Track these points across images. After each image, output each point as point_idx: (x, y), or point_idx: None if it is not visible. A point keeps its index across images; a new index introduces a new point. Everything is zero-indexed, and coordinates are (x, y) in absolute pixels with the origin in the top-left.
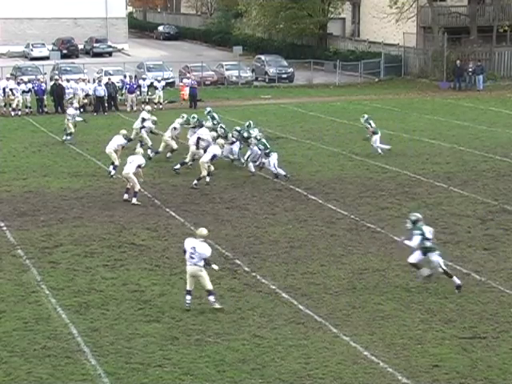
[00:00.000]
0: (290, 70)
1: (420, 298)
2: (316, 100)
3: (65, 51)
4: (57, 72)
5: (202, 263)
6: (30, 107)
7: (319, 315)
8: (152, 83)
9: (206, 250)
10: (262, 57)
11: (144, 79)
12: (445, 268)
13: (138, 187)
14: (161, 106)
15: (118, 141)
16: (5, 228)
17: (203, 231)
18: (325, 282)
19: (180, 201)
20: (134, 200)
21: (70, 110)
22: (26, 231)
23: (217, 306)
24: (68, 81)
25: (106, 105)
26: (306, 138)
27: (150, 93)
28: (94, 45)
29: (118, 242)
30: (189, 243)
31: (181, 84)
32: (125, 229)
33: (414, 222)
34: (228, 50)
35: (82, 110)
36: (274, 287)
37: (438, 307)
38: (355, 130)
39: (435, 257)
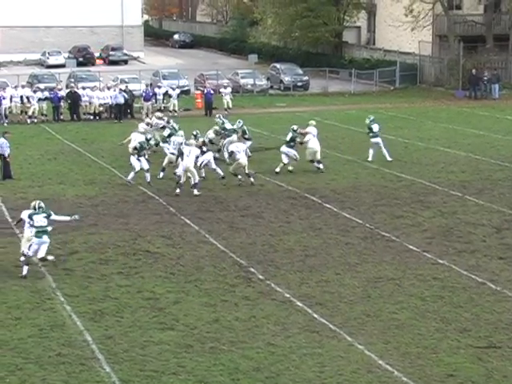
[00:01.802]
0: (306, 78)
1: (435, 306)
2: (331, 108)
3: (81, 59)
4: (72, 80)
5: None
6: (46, 115)
7: (334, 324)
8: (167, 91)
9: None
10: (278, 65)
11: (159, 87)
12: None
13: (197, 178)
14: (176, 114)
15: (137, 138)
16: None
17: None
18: (339, 290)
19: (195, 208)
20: (196, 191)
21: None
22: None
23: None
24: (84, 89)
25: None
26: (320, 146)
27: (165, 101)
28: (110, 53)
29: (133, 249)
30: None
31: (196, 92)
32: (140, 236)
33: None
34: (243, 58)
35: (97, 117)
36: (288, 295)
37: (453, 316)
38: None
39: None
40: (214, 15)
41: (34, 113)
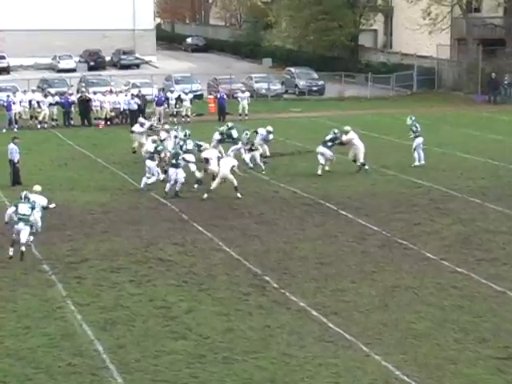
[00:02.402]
0: (321, 82)
1: (454, 316)
2: (347, 113)
3: (92, 63)
4: (83, 84)
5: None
6: (57, 120)
7: (349, 333)
8: (180, 96)
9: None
10: (292, 69)
11: (172, 92)
12: None
13: (236, 182)
14: (188, 119)
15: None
16: (30, 242)
17: (38, 188)
18: (355, 299)
19: (208, 216)
20: (238, 194)
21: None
22: (51, 246)
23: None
24: (95, 93)
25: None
26: (336, 151)
27: (177, 105)
28: (122, 57)
29: (145, 257)
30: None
31: (209, 97)
32: (152, 244)
33: None
34: (257, 62)
35: (109, 122)
36: (303, 304)
37: (473, 326)
38: (387, 143)
39: None
40: (228, 18)
41: (44, 118)
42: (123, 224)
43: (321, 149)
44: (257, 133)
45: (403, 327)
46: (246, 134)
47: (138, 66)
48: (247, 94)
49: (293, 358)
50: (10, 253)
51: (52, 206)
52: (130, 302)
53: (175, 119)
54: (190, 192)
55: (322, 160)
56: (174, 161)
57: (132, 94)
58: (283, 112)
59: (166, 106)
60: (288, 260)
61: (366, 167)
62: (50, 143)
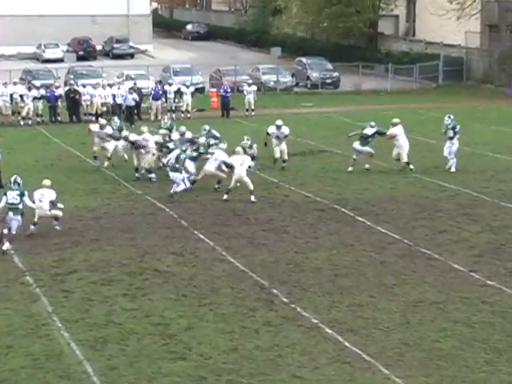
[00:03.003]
0: (336, 74)
1: (484, 335)
2: (365, 108)
3: (81, 53)
4: (72, 76)
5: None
6: (42, 115)
7: (368, 354)
8: (179, 89)
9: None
10: (304, 59)
11: (170, 84)
12: None
13: (252, 186)
14: (189, 115)
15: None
16: (12, 252)
17: (47, 182)
18: (374, 315)
19: (210, 222)
20: (253, 198)
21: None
22: (36, 255)
23: (57, 228)
24: (84, 86)
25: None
26: (348, 149)
27: (176, 100)
28: (114, 45)
29: (140, 268)
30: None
31: (212, 90)
32: (147, 253)
33: None
34: (265, 51)
35: (99, 118)
36: (316, 321)
37: (505, 346)
38: (410, 142)
39: None
40: (232, 3)
41: (28, 113)
42: (116, 231)
43: (357, 146)
44: (268, 134)
45: (427, 347)
46: (248, 140)
47: (132, 55)
48: (254, 87)
49: (305, 380)
50: (4, 247)
51: (60, 206)
52: (123, 318)
53: (173, 115)
54: (187, 196)
55: (355, 156)
56: (176, 165)
57: (130, 88)
58: (293, 107)
59: (163, 100)
60: (299, 272)
61: (411, 167)
62: (34, 141)
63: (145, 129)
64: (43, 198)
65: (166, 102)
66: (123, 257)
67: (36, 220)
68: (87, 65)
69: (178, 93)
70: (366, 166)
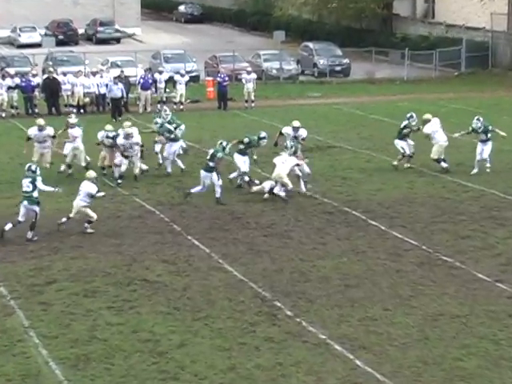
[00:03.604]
0: (346, 61)
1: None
2: (378, 99)
3: (61, 37)
4: (50, 63)
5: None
6: (17, 107)
7: (382, 373)
8: (171, 77)
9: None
10: (310, 44)
11: (161, 72)
12: None
13: (290, 186)
14: (182, 107)
15: None
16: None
17: (92, 174)
18: (389, 330)
19: (205, 226)
20: (282, 193)
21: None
22: (10, 264)
23: (90, 230)
24: (65, 74)
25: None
26: (364, 147)
27: (167, 89)
28: (98, 29)
29: (127, 277)
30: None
31: (207, 79)
32: (135, 261)
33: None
34: (267, 35)
35: (82, 111)
36: (323, 337)
37: None
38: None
39: None
40: None
41: (1, 105)
42: (100, 237)
43: (397, 142)
44: (282, 134)
45: (448, 365)
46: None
47: (118, 40)
48: (254, 75)
49: None
50: (6, 227)
51: (100, 194)
52: (108, 334)
53: (164, 107)
54: (180, 198)
55: (403, 150)
56: (211, 163)
57: (115, 78)
58: (299, 98)
59: (153, 90)
60: (305, 282)
61: (444, 165)
62: (8, 136)
63: (132, 130)
64: (80, 191)
65: (156, 92)
66: (108, 265)
67: (72, 215)
68: (68, 50)
69: (170, 82)
70: (406, 164)
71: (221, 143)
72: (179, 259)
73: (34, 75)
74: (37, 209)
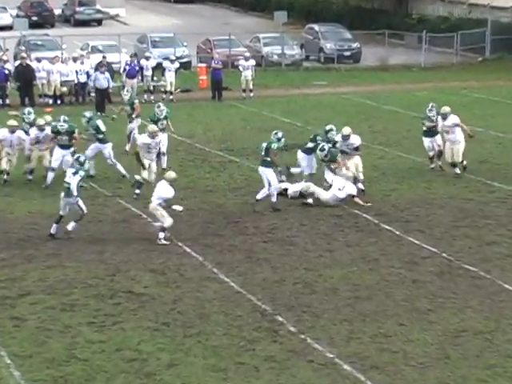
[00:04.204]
0: (356, 45)
1: None
2: (392, 88)
3: (35, 18)
4: (23, 48)
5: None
6: None
7: None
8: (159, 64)
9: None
10: (316, 26)
11: (148, 58)
12: None
13: (325, 196)
14: (171, 97)
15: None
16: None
17: (172, 174)
18: (404, 348)
19: (198, 231)
20: (310, 200)
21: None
22: None
23: (163, 242)
24: (39, 60)
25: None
26: (377, 142)
27: (155, 77)
28: (77, 9)
29: (110, 289)
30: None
31: (200, 65)
32: (120, 271)
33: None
34: (267, 16)
35: (59, 101)
36: (331, 355)
37: None
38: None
39: None
40: None
41: None
42: (80, 243)
43: (425, 141)
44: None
45: None
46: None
47: (99, 22)
48: (252, 61)
49: None
50: (52, 231)
51: (179, 209)
52: (89, 353)
53: (152, 96)
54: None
55: (430, 152)
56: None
57: (99, 64)
58: (303, 86)
59: (139, 78)
60: (310, 293)
61: (458, 171)
62: None
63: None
64: (155, 192)
65: (143, 80)
66: (89, 275)
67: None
68: (43, 33)
69: (158, 69)
70: (439, 162)
71: (276, 133)
72: (169, 268)
73: (5, 61)
74: (72, 201)
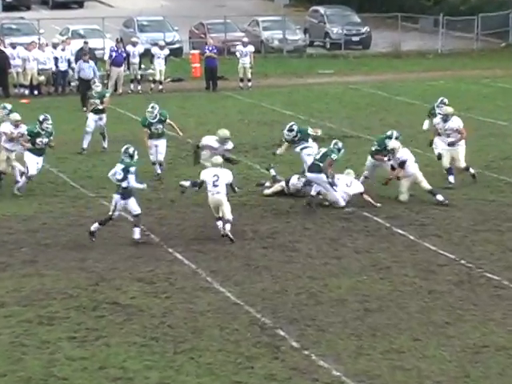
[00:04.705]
0: (365, 29)
1: None
2: (406, 77)
3: (9, 0)
4: None
5: (225, 191)
6: None
7: None
8: (148, 51)
9: (228, 175)
10: (321, 9)
11: (134, 44)
12: None
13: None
14: (161, 87)
15: None
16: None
17: (219, 159)
18: (419, 365)
19: (190, 236)
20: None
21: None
22: None
23: (230, 235)
24: (14, 46)
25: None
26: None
27: (143, 66)
28: None
29: (93, 300)
30: (209, 173)
31: (192, 52)
32: (103, 280)
33: None
34: None
35: (36, 92)
36: (338, 373)
37: None
38: (468, 124)
39: None
40: None
41: None
42: (59, 249)
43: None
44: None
45: None
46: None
47: (80, 4)
48: (251, 47)
49: None
50: (136, 236)
51: (238, 189)
52: (69, 371)
53: (139, 87)
54: (160, 201)
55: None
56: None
57: (80, 51)
58: (307, 75)
59: (125, 66)
60: (315, 305)
61: (452, 180)
62: None
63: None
64: (218, 181)
65: (129, 68)
66: (69, 285)
67: (218, 215)
68: (18, 17)
69: (146, 56)
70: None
71: (336, 143)
72: (158, 277)
73: None
74: (127, 201)
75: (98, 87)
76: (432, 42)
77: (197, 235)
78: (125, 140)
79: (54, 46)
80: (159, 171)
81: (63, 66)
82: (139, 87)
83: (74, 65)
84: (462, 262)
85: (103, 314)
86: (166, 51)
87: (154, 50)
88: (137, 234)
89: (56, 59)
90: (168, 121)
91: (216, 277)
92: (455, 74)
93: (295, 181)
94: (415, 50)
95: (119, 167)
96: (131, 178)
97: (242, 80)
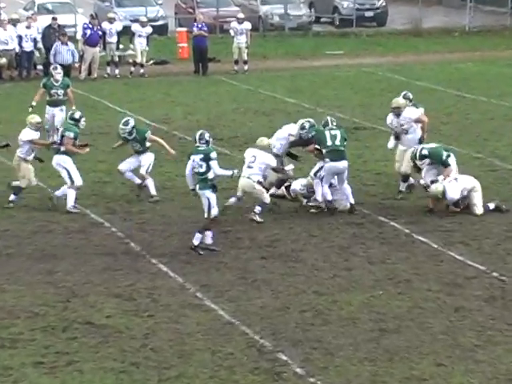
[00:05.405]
0: (380, 3)
1: None
2: (427, 58)
3: None
4: None
5: (259, 177)
6: None
7: None
8: (127, 28)
9: (268, 159)
10: None
11: (112, 21)
12: None
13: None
14: (142, 71)
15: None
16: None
17: (264, 140)
18: None
19: (177, 244)
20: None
21: None
22: None
23: (257, 219)
24: None
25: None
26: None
27: (121, 45)
28: None
29: (63, 320)
30: (249, 153)
31: (179, 30)
32: (75, 296)
33: None
34: None
35: None
36: None
37: None
38: (500, 114)
39: None
40: None
41: None
42: (24, 260)
43: None
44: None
45: None
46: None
47: None
48: (247, 24)
49: None
50: (195, 241)
51: (290, 170)
52: None
53: (117, 70)
54: (142, 204)
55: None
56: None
57: (48, 28)
58: (312, 57)
59: (100, 46)
60: (321, 324)
61: (403, 188)
62: None
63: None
64: (254, 163)
65: (105, 48)
66: (35, 302)
67: (239, 194)
68: None
69: (125, 35)
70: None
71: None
72: (138, 293)
73: None
74: (210, 195)
75: (58, 74)
76: (458, 18)
77: (184, 243)
78: (100, 132)
79: (15, 23)
80: (138, 181)
81: (28, 47)
82: (117, 71)
83: (40, 45)
84: (494, 274)
85: (75, 336)
86: (149, 29)
87: (135, 27)
88: (196, 239)
89: (20, 38)
90: (151, 137)
91: (207, 292)
92: (485, 55)
93: (298, 187)
94: (438, 28)
95: (197, 158)
96: (214, 164)
97: (236, 62)
